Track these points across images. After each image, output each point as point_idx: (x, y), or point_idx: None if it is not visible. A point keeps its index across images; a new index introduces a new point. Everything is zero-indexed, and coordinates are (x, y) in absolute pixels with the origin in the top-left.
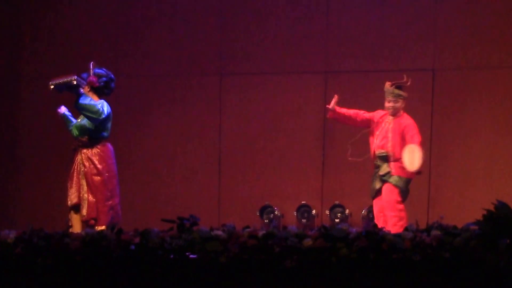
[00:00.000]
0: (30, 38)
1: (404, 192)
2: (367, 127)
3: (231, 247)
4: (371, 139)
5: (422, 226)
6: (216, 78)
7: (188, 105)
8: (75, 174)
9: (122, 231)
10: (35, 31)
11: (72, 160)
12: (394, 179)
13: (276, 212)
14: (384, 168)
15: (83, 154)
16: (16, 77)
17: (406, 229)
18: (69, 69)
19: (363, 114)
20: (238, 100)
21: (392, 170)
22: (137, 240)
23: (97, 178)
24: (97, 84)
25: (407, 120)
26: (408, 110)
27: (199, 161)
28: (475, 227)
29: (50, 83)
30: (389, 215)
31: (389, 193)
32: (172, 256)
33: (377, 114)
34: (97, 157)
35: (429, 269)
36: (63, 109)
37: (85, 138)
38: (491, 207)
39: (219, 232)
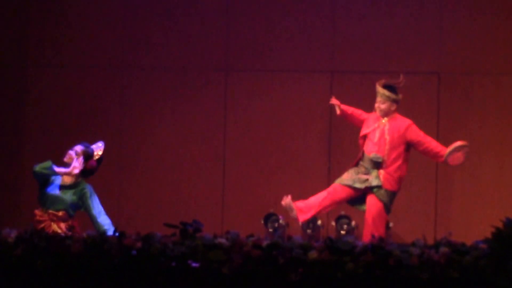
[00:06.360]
0: (37, 25)
1: (388, 206)
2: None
3: (235, 257)
4: (361, 141)
5: (430, 240)
6: (222, 74)
7: (193, 102)
8: None
9: (125, 235)
10: (43, 20)
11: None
12: (381, 193)
13: (280, 221)
14: (375, 179)
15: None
16: (23, 66)
17: (413, 244)
18: (76, 60)
19: (361, 114)
20: (243, 98)
21: (383, 183)
22: (139, 244)
23: None
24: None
25: (404, 121)
26: (413, 115)
27: (203, 162)
28: (484, 245)
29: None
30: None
31: (374, 206)
32: (174, 264)
33: (372, 116)
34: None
35: None
36: None
37: None
38: (499, 222)
39: (223, 240)
